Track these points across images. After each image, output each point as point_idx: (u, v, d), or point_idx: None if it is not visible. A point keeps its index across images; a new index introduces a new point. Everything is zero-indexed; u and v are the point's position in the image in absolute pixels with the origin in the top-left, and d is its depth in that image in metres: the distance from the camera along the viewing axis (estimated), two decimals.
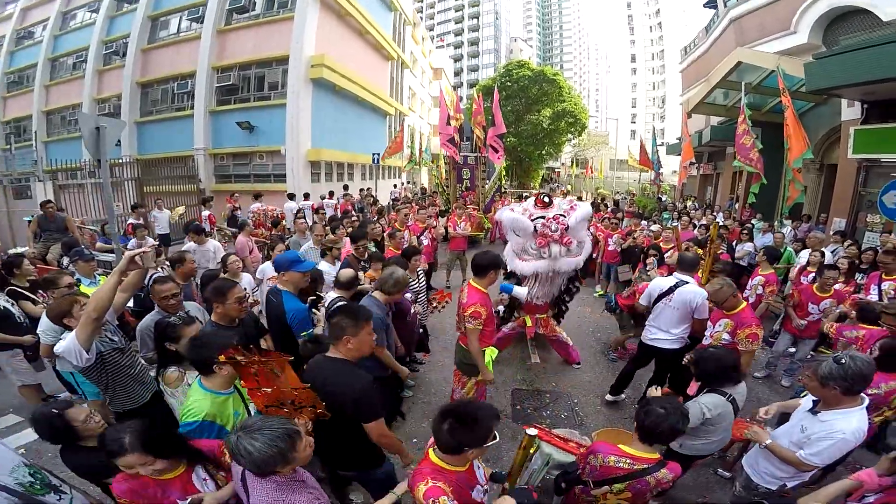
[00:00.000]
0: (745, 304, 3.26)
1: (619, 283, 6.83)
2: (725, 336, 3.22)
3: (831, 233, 7.14)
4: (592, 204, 13.55)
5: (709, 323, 3.44)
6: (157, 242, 5.22)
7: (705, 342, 3.38)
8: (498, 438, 1.62)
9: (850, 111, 8.19)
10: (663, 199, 14.18)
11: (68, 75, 18.18)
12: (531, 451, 2.27)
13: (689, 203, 12.57)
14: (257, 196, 10.26)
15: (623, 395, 4.22)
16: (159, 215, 8.99)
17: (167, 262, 4.38)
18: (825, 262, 4.87)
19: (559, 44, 76.43)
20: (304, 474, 1.67)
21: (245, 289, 3.32)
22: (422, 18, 40.85)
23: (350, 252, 4.56)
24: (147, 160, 12.42)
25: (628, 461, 1.92)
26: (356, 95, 16.80)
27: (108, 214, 5.50)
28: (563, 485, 2.27)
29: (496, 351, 3.42)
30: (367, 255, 4.28)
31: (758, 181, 7.54)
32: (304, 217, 7.45)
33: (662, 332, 3.68)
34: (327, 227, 5.93)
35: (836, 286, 4.37)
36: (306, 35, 13.61)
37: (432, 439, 1.68)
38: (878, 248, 5.49)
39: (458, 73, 58.33)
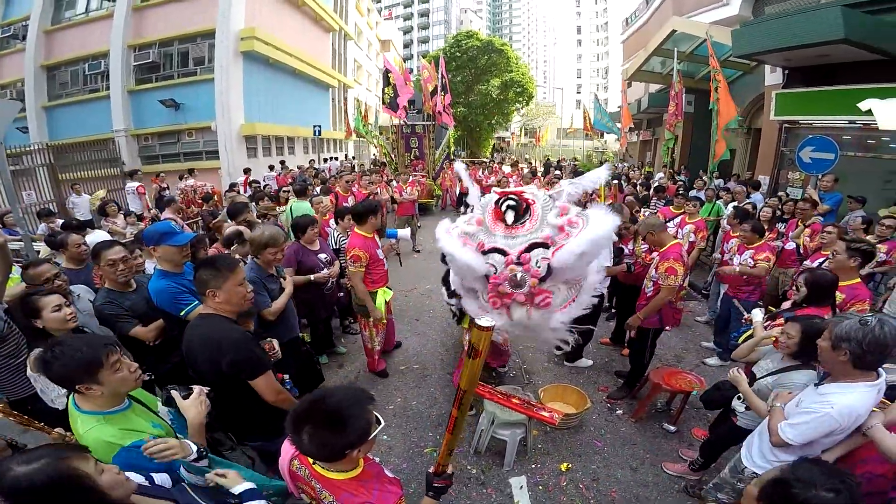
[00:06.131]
0: (675, 241, 3.22)
1: None
2: (654, 273, 3.21)
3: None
4: (544, 167, 13.79)
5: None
6: None
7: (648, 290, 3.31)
8: (383, 423, 1.25)
9: (772, 77, 8.67)
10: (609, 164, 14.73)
11: None
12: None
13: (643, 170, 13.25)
14: (188, 173, 9.85)
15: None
16: (78, 200, 8.58)
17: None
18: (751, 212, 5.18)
19: (508, 15, 75.84)
20: None
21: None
22: None
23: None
24: (61, 145, 11.34)
25: None
26: (293, 68, 16.04)
27: (10, 202, 5.01)
28: None
29: (389, 292, 3.72)
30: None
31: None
32: (239, 191, 7.12)
33: None
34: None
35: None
36: (234, 8, 12.84)
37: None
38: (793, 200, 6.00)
39: (407, 46, 56.56)
